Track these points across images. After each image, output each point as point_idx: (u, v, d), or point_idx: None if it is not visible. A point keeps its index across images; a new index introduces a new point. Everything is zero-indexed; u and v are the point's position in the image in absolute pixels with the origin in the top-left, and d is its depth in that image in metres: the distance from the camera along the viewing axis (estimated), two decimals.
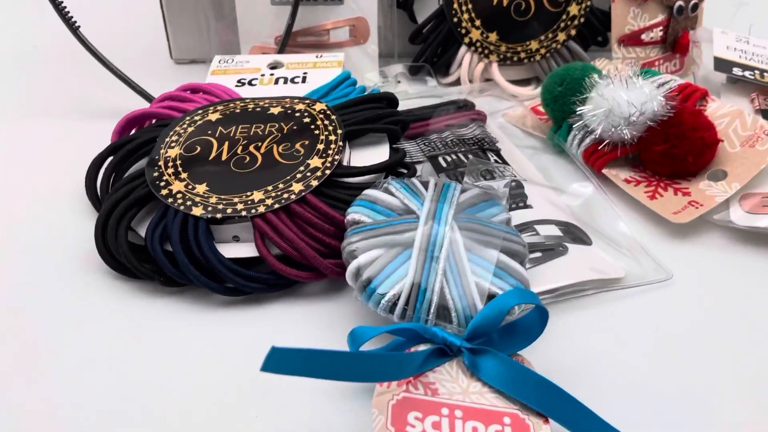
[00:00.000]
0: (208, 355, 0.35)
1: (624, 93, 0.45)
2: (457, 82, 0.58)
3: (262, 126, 0.43)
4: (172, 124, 0.43)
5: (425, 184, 0.38)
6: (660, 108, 0.45)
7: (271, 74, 0.50)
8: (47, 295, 0.39)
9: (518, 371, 0.30)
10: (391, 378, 0.29)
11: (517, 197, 0.43)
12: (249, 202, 0.38)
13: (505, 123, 0.53)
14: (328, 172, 0.39)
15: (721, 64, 0.55)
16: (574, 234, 0.42)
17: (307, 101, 0.45)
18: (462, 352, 0.31)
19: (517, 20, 0.55)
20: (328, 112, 0.43)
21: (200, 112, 0.44)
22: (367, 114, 0.44)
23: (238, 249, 0.38)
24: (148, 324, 0.37)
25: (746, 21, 0.61)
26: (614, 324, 0.37)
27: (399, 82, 0.58)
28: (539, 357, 0.34)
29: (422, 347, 0.31)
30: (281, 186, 0.39)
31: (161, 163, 0.41)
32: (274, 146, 0.41)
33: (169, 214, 0.38)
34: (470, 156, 0.46)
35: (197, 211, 0.38)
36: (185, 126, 0.43)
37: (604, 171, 0.47)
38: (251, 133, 0.42)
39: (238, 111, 0.44)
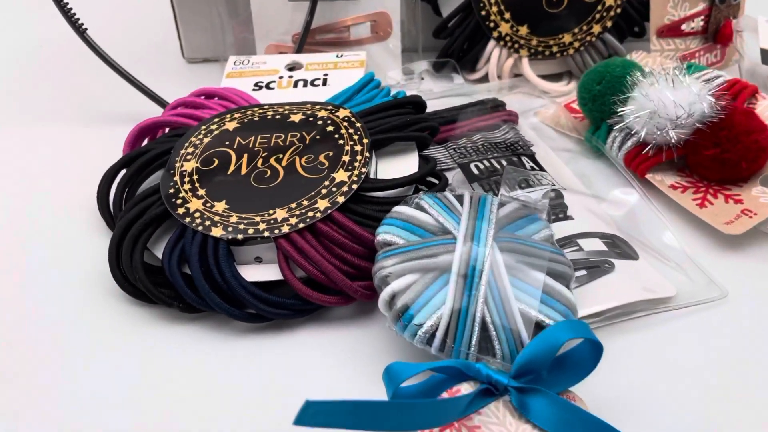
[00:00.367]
0: (230, 385, 0.33)
1: (670, 93, 0.42)
2: (485, 79, 0.55)
3: (283, 136, 0.40)
4: (188, 135, 0.41)
5: (459, 198, 0.36)
6: (709, 109, 0.42)
7: (290, 76, 0.47)
8: (58, 320, 0.36)
9: (571, 412, 0.27)
10: (433, 425, 0.26)
11: (557, 208, 0.40)
12: (272, 222, 0.35)
13: (537, 123, 0.50)
14: (355, 186, 0.37)
15: None
16: (620, 248, 0.39)
17: (330, 107, 0.42)
18: (509, 391, 0.28)
19: (549, 12, 0.52)
20: (353, 119, 0.41)
21: (216, 120, 0.42)
22: (394, 120, 0.41)
23: (260, 272, 0.35)
24: (165, 353, 0.35)
25: None
26: (667, 350, 0.34)
27: (422, 79, 0.55)
28: (588, 390, 0.31)
29: (465, 386, 0.28)
30: (305, 203, 0.36)
31: (177, 177, 0.38)
32: (296, 158, 0.39)
33: (187, 235, 0.35)
34: (504, 162, 0.43)
35: (217, 232, 0.35)
36: (201, 136, 0.41)
37: (648, 176, 0.44)
38: (271, 144, 0.40)
39: (256, 119, 0.42)
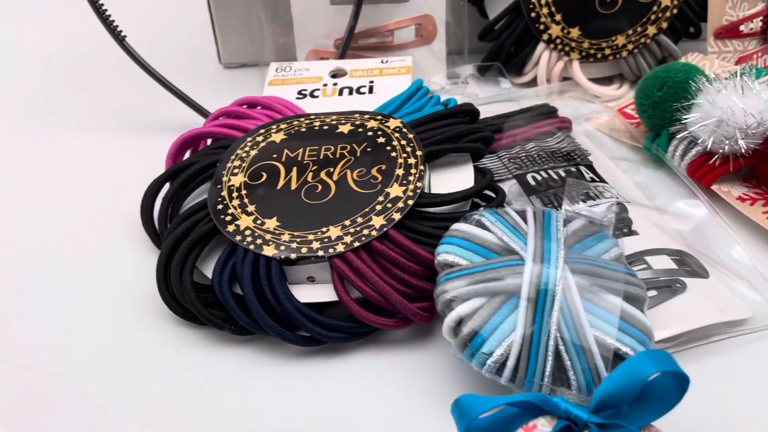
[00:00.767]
0: (282, 411, 0.32)
1: (739, 100, 0.40)
2: (532, 82, 0.53)
3: (332, 148, 0.38)
4: (233, 147, 0.39)
5: (522, 215, 0.34)
6: None
7: (335, 84, 0.45)
8: (103, 342, 0.35)
9: None
10: None
11: (621, 222, 0.38)
12: (325, 240, 0.34)
13: (591, 130, 0.48)
14: (410, 202, 0.35)
15: None
16: (689, 265, 0.37)
17: (380, 117, 0.40)
18: (589, 427, 0.26)
19: (602, 13, 0.50)
20: (404, 129, 0.39)
21: (262, 131, 0.40)
22: (447, 131, 0.39)
23: (314, 292, 0.34)
24: (216, 376, 0.33)
25: None
26: (749, 376, 0.32)
27: (466, 83, 0.53)
28: (669, 424, 0.29)
29: (542, 421, 0.27)
30: (360, 220, 0.34)
31: (225, 193, 0.37)
32: (348, 172, 0.37)
33: (238, 254, 0.34)
34: (562, 173, 0.41)
35: (269, 251, 0.34)
36: (247, 149, 0.39)
37: (714, 187, 0.42)
38: (321, 157, 0.38)
39: (303, 130, 0.40)
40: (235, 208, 0.36)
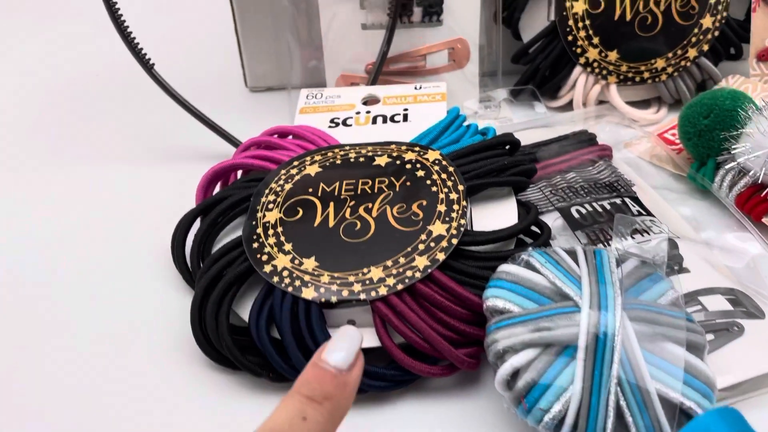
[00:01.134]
0: None
1: None
2: (567, 106, 0.52)
3: (370, 182, 0.37)
4: (267, 180, 0.38)
5: (572, 254, 0.32)
6: None
7: (368, 112, 0.44)
8: (135, 387, 0.34)
9: None
10: None
11: (672, 260, 0.37)
12: (367, 282, 0.32)
13: (632, 157, 0.46)
14: (455, 241, 0.33)
15: None
16: (744, 306, 0.35)
17: (417, 148, 0.39)
18: None
19: (641, 36, 0.48)
20: (444, 162, 0.38)
21: (296, 163, 0.39)
22: (488, 163, 0.37)
23: None
24: (254, 426, 0.32)
25: None
26: None
27: (499, 107, 0.52)
28: None
29: None
30: (402, 260, 0.33)
31: (260, 230, 0.35)
32: (387, 208, 0.36)
33: (276, 296, 0.33)
34: (607, 205, 0.39)
35: (308, 294, 0.32)
36: (282, 182, 0.38)
37: (765, 220, 0.40)
38: (358, 191, 0.37)
39: (338, 162, 0.39)
40: (271, 246, 0.34)
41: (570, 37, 0.48)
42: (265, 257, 0.34)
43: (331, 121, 0.44)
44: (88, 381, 0.34)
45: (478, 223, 0.37)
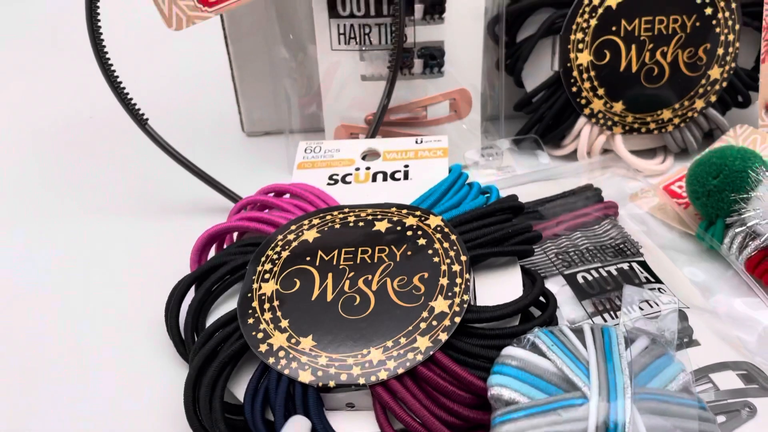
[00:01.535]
0: None
1: None
2: (571, 155, 0.51)
3: (369, 251, 0.36)
4: (263, 247, 0.37)
5: (578, 334, 0.31)
6: None
7: (367, 168, 0.43)
8: None
9: None
10: None
11: (682, 332, 0.35)
12: (366, 365, 0.31)
13: (638, 213, 0.45)
14: (457, 320, 0.32)
15: None
16: (757, 381, 0.34)
17: (419, 213, 0.38)
18: None
19: (647, 87, 0.47)
20: (446, 230, 0.36)
21: (294, 229, 0.38)
22: (492, 231, 0.36)
23: (354, 424, 0.31)
24: None
25: None
26: None
27: (501, 156, 0.50)
28: None
29: None
30: (403, 341, 0.32)
31: (256, 304, 0.34)
32: (388, 280, 0.34)
33: (271, 378, 0.31)
34: (614, 271, 0.38)
35: (305, 378, 0.31)
36: (279, 249, 0.37)
37: None
38: (357, 261, 0.35)
39: (337, 227, 0.38)
40: (267, 323, 0.33)
41: (574, 88, 0.47)
42: (260, 335, 0.33)
43: (330, 177, 0.43)
44: None
45: (481, 293, 0.36)
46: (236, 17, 0.50)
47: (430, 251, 0.36)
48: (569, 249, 0.40)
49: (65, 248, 0.46)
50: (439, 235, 0.36)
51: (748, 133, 0.48)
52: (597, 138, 0.49)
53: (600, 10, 0.46)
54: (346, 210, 0.39)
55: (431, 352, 0.31)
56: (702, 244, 0.43)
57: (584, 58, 0.47)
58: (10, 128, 0.61)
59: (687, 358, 0.34)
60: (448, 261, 0.35)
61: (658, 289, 0.38)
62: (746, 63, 0.50)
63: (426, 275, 0.34)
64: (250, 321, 0.33)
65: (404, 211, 0.38)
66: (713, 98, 0.48)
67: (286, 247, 0.37)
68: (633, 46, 0.46)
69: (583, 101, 0.48)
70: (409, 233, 0.37)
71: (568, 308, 0.37)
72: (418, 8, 0.45)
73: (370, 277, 0.35)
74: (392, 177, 0.43)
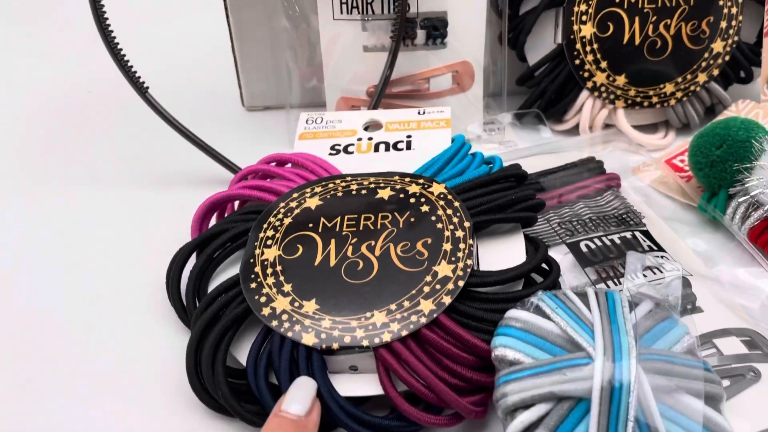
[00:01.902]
0: None
1: None
2: (573, 129, 0.50)
3: (372, 217, 0.36)
4: (265, 214, 0.37)
5: (583, 298, 0.31)
6: None
7: (370, 138, 0.43)
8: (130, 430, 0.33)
9: None
10: None
11: (685, 299, 0.35)
12: (370, 327, 0.31)
13: (641, 185, 0.45)
14: (461, 283, 0.32)
15: None
16: (761, 348, 0.34)
17: (422, 181, 0.38)
18: None
19: (650, 60, 0.47)
20: (450, 197, 0.36)
21: (296, 195, 0.38)
22: (495, 198, 0.36)
23: (357, 385, 0.31)
24: None
25: None
26: None
27: (503, 130, 0.50)
28: None
29: None
30: (406, 304, 0.32)
31: (258, 269, 0.34)
32: (391, 246, 0.34)
33: (274, 341, 0.31)
34: (617, 240, 0.38)
35: (309, 340, 0.31)
36: (281, 216, 0.36)
37: None
38: (360, 228, 0.35)
39: (340, 194, 0.37)
40: (270, 287, 0.33)
41: (577, 61, 0.47)
42: (263, 299, 0.33)
43: (332, 147, 0.43)
44: (81, 425, 0.33)
45: (484, 259, 0.35)
46: None
47: (433, 218, 0.35)
48: (572, 218, 0.40)
49: (68, 219, 0.46)
50: (442, 202, 0.36)
51: (750, 108, 0.48)
52: (599, 112, 0.49)
53: None
54: (349, 178, 0.39)
55: (435, 315, 0.31)
56: (704, 216, 0.43)
57: (587, 30, 0.46)
58: (11, 101, 0.61)
59: (692, 322, 0.34)
60: (452, 227, 0.35)
61: (662, 257, 0.38)
62: (749, 38, 0.50)
63: (429, 241, 0.34)
64: (253, 285, 0.33)
65: (407, 179, 0.38)
66: (716, 72, 0.48)
67: (289, 214, 0.37)
68: (636, 19, 0.46)
69: (586, 74, 0.47)
70: (412, 200, 0.37)
71: (571, 276, 0.37)
72: None
73: (373, 242, 0.35)
74: (395, 147, 0.42)
